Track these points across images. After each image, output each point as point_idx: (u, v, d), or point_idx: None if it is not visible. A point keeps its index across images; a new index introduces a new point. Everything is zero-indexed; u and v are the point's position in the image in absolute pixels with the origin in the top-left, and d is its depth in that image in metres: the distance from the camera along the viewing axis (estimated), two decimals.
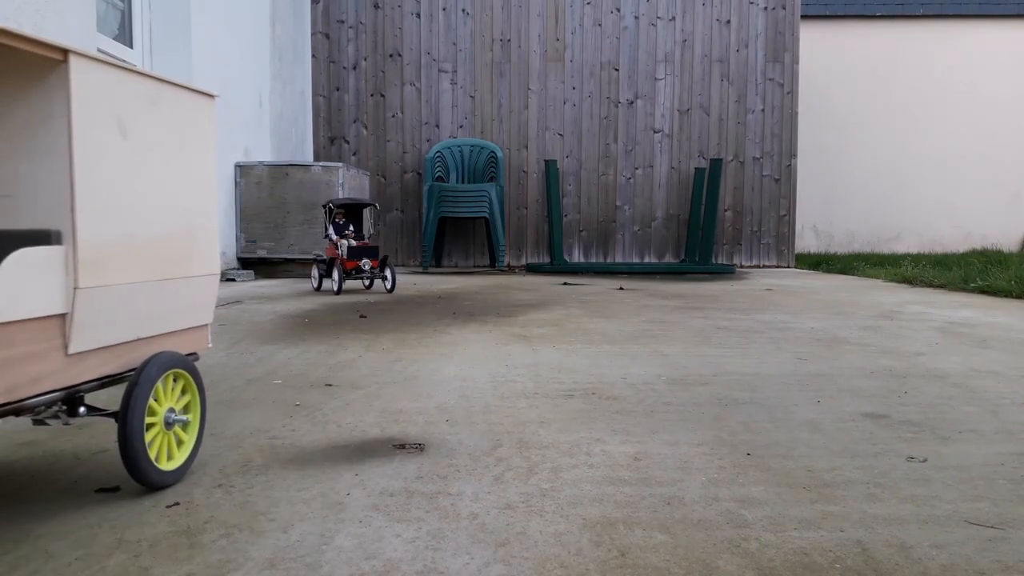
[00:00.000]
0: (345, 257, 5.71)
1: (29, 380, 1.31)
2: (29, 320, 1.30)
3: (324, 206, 5.95)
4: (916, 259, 9.31)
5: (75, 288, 1.36)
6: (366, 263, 5.68)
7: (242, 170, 6.83)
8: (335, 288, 5.59)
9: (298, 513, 1.46)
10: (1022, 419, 2.22)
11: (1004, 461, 1.83)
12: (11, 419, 2.09)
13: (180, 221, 1.64)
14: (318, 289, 5.87)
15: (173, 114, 1.61)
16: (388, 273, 5.79)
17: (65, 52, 1.35)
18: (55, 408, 1.45)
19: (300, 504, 1.51)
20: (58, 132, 1.38)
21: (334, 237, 5.86)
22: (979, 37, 12.29)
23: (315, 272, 5.90)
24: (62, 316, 1.36)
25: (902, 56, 12.31)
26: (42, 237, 1.39)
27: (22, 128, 1.42)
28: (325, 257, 5.99)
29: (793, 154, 9.21)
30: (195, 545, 1.32)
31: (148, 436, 1.53)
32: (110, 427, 2.02)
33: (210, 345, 1.88)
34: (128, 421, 1.45)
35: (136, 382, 1.49)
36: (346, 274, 5.60)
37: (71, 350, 1.39)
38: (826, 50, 12.17)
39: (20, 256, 1.26)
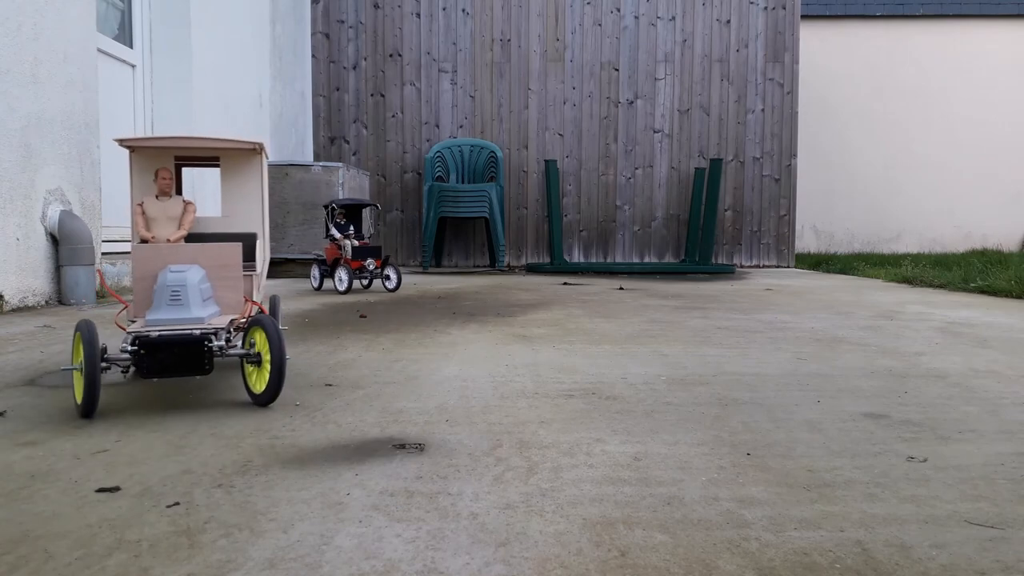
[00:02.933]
0: (349, 257, 5.70)
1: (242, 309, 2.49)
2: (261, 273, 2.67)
3: (326, 206, 5.94)
4: (916, 259, 9.31)
5: (265, 259, 2.66)
6: (371, 263, 5.67)
7: None
8: (342, 288, 5.58)
9: (298, 513, 1.46)
10: (1022, 419, 2.22)
11: (1004, 461, 1.83)
12: (10, 419, 2.09)
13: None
14: (318, 289, 5.87)
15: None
16: (391, 273, 5.79)
17: (261, 145, 2.71)
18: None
19: (300, 504, 1.51)
20: (257, 183, 2.82)
21: (337, 236, 5.84)
22: (979, 37, 12.28)
23: (315, 272, 5.89)
24: (258, 274, 2.71)
25: (902, 56, 12.30)
26: (252, 236, 2.78)
27: (242, 183, 2.80)
28: (324, 257, 5.98)
29: (793, 154, 9.20)
30: (195, 545, 1.32)
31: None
32: (111, 427, 2.02)
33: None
34: (280, 345, 2.18)
35: (275, 314, 2.79)
36: (351, 274, 5.61)
37: (255, 296, 2.71)
38: (826, 50, 12.17)
39: (260, 242, 2.63)
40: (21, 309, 4.10)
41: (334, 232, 5.86)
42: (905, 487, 1.65)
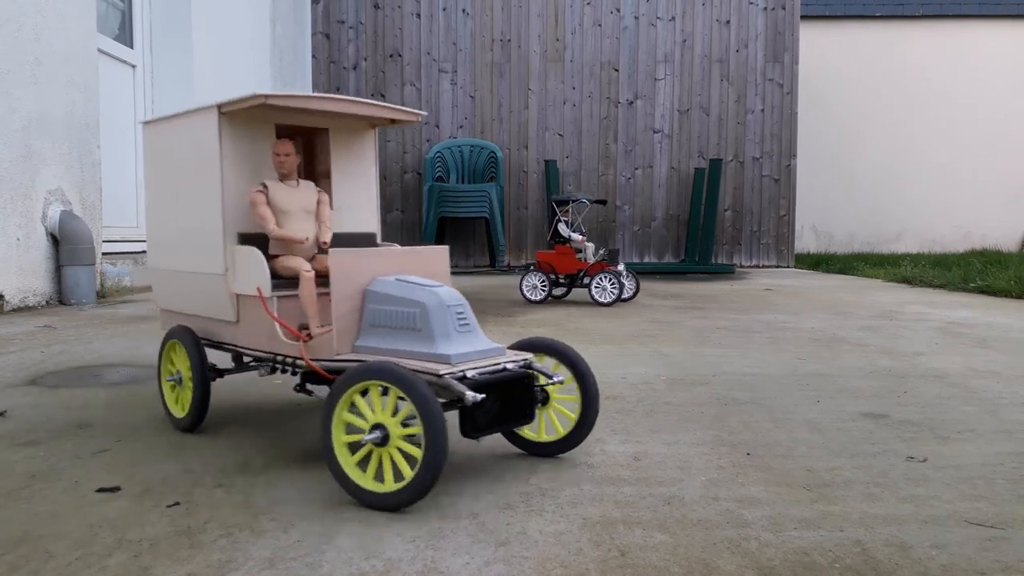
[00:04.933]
0: (591, 260, 5.02)
1: None
2: None
3: (561, 201, 5.23)
4: (916, 259, 9.31)
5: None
6: (622, 266, 5.07)
7: None
8: (609, 299, 4.86)
9: (299, 513, 1.46)
10: (1021, 419, 2.22)
11: (1003, 461, 1.83)
12: (10, 419, 2.09)
13: None
14: (540, 302, 5.05)
15: None
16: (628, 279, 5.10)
17: (374, 124, 2.22)
18: None
19: (301, 504, 1.51)
20: (368, 169, 2.25)
21: (576, 239, 5.08)
22: (979, 37, 12.29)
23: (533, 281, 5.09)
24: None
25: (902, 56, 12.31)
26: (370, 237, 2.23)
27: (352, 167, 2.21)
28: (536, 263, 5.18)
29: (793, 154, 9.21)
30: (195, 545, 1.32)
31: None
32: (111, 427, 2.02)
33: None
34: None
35: None
36: (614, 281, 4.90)
37: None
38: (826, 50, 12.17)
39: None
40: (22, 309, 4.10)
41: (569, 233, 5.11)
42: (904, 487, 1.65)
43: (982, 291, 6.09)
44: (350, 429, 1.57)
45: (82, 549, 1.30)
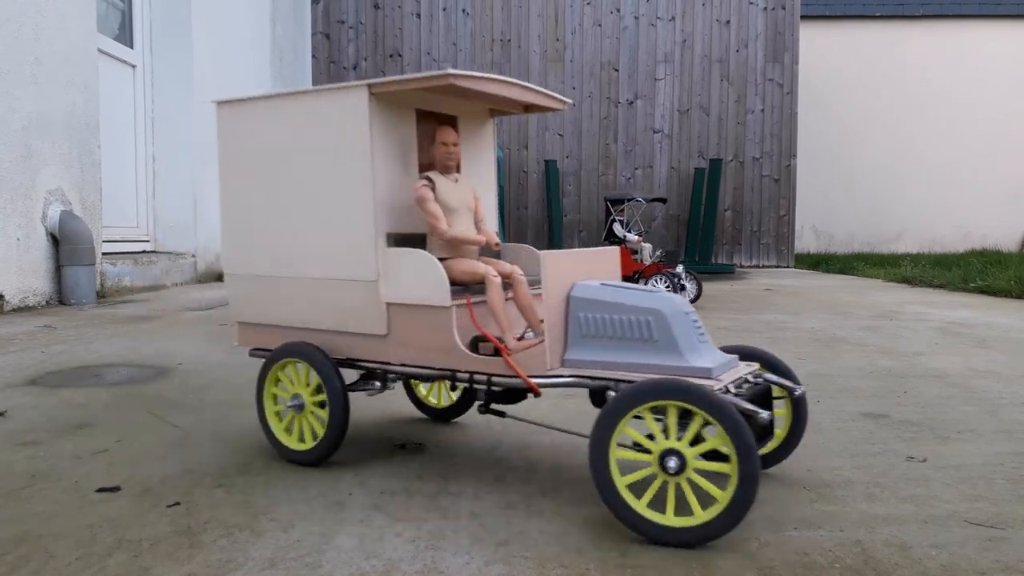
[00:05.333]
0: (647, 262, 4.82)
1: None
2: None
3: (616, 199, 4.96)
4: (916, 259, 9.31)
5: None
6: (680, 268, 4.82)
7: None
8: None
9: (299, 513, 1.46)
10: (1021, 419, 2.22)
11: (1003, 461, 1.83)
12: (10, 420, 2.09)
13: None
14: None
15: None
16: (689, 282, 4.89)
17: (493, 112, 2.01)
18: None
19: (301, 504, 1.51)
20: (488, 161, 2.03)
21: (632, 239, 4.87)
22: (979, 37, 12.29)
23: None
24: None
25: (902, 56, 12.31)
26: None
27: (475, 160, 1.98)
28: None
29: (793, 154, 9.21)
30: (196, 545, 1.32)
31: None
32: (111, 427, 2.02)
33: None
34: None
35: None
36: (674, 283, 4.72)
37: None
38: (826, 50, 12.17)
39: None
40: (22, 309, 4.10)
41: (625, 233, 4.89)
42: (904, 487, 1.65)
43: (982, 291, 6.09)
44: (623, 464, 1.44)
45: (82, 549, 1.30)
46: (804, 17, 11.42)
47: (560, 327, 1.56)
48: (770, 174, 9.29)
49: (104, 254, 5.05)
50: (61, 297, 4.41)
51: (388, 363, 1.72)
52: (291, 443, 1.76)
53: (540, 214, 9.13)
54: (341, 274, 1.72)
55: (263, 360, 1.84)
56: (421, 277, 1.64)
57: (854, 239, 12.55)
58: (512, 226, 9.14)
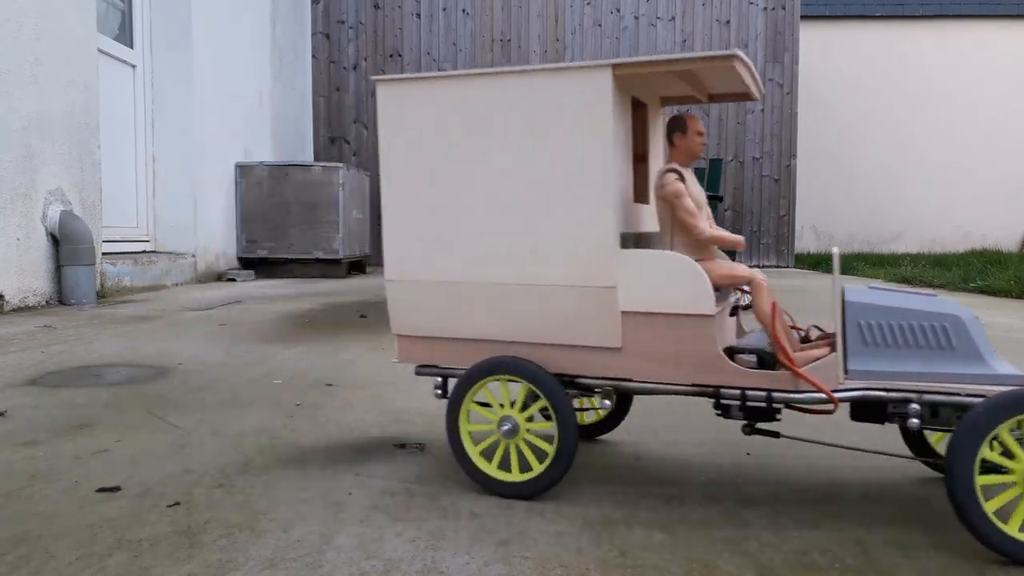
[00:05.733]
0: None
1: None
2: None
3: None
4: (916, 259, 9.31)
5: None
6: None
7: (242, 170, 6.83)
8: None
9: (299, 513, 1.46)
10: None
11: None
12: (10, 420, 2.09)
13: None
14: None
15: None
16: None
17: (664, 101, 1.85)
18: None
19: (301, 504, 1.51)
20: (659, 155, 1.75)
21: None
22: (979, 37, 12.29)
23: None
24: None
25: (902, 56, 12.31)
26: (650, 237, 1.84)
27: (654, 154, 1.73)
28: None
29: (793, 154, 9.21)
30: (195, 545, 1.32)
31: None
32: (111, 427, 2.02)
33: None
34: None
35: None
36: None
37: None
38: (826, 50, 12.17)
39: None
40: (22, 309, 4.10)
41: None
42: (905, 487, 1.65)
43: (982, 291, 6.09)
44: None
45: (82, 549, 1.30)
46: (804, 17, 11.42)
47: (839, 335, 1.44)
48: (770, 174, 9.29)
49: (104, 254, 5.05)
50: (61, 297, 4.41)
51: (621, 379, 1.54)
52: (506, 475, 1.54)
53: None
54: (567, 279, 1.54)
55: (430, 375, 1.64)
56: (677, 282, 1.47)
57: (854, 239, 12.55)
58: None
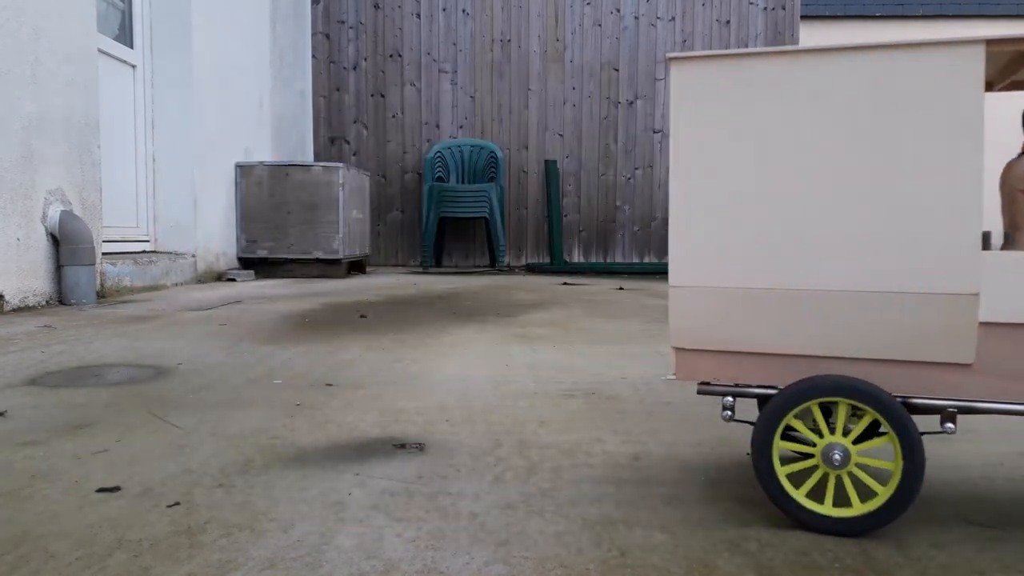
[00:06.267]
0: None
1: None
2: None
3: None
4: None
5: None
6: None
7: (242, 170, 6.83)
8: None
9: (299, 513, 1.46)
10: (1021, 419, 2.22)
11: (1003, 461, 1.83)
12: (10, 420, 2.09)
13: None
14: None
15: None
16: None
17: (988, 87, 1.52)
18: None
19: (300, 504, 1.51)
20: None
21: None
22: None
23: None
24: None
25: None
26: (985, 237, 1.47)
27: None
28: None
29: None
30: (195, 545, 1.32)
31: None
32: (111, 427, 2.02)
33: None
34: None
35: None
36: None
37: None
38: None
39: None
40: (21, 309, 4.10)
41: None
42: None
43: None
44: None
45: (82, 549, 1.30)
46: (804, 17, 11.43)
47: None
48: None
49: (104, 254, 5.05)
50: (61, 297, 4.41)
51: (969, 400, 1.34)
52: (822, 508, 1.37)
53: (540, 214, 9.14)
54: (916, 286, 1.34)
55: (719, 394, 1.44)
56: None
57: None
58: (512, 226, 9.14)
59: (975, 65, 1.29)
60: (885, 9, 12.31)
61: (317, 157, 8.93)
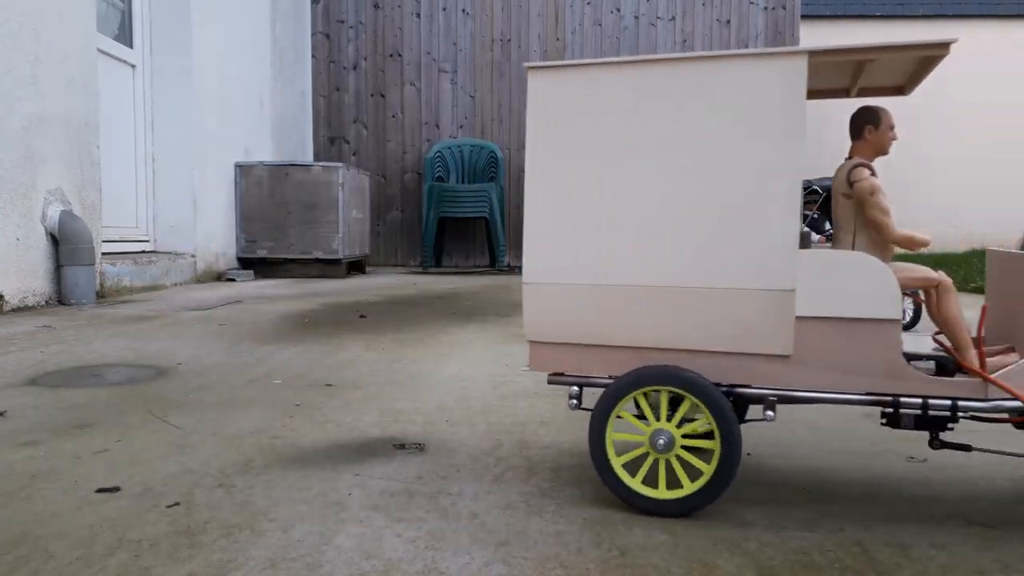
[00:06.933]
0: None
1: None
2: None
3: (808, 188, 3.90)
4: (915, 259, 9.31)
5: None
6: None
7: (242, 170, 6.83)
8: None
9: (299, 513, 1.46)
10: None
11: (1003, 461, 1.83)
12: (10, 420, 2.09)
13: None
14: None
15: None
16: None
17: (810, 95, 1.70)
18: None
19: (301, 504, 1.51)
20: None
21: (815, 238, 4.30)
22: (979, 37, 12.29)
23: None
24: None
25: None
26: (806, 237, 1.66)
27: None
28: None
29: None
30: (196, 545, 1.32)
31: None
32: (111, 427, 2.02)
33: None
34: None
35: None
36: None
37: None
38: None
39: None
40: (21, 309, 4.10)
41: (807, 231, 4.29)
42: (905, 487, 1.65)
43: (982, 291, 6.09)
44: None
45: (82, 549, 1.30)
46: (804, 17, 11.43)
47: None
48: None
49: (104, 254, 5.05)
50: (61, 297, 4.41)
51: (788, 389, 1.44)
52: (647, 490, 1.45)
53: None
54: (739, 282, 1.44)
55: (565, 384, 1.54)
56: (863, 285, 1.39)
57: None
58: (512, 226, 9.14)
59: (798, 75, 1.38)
60: (885, 9, 12.30)
61: (317, 157, 8.93)
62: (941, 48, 1.36)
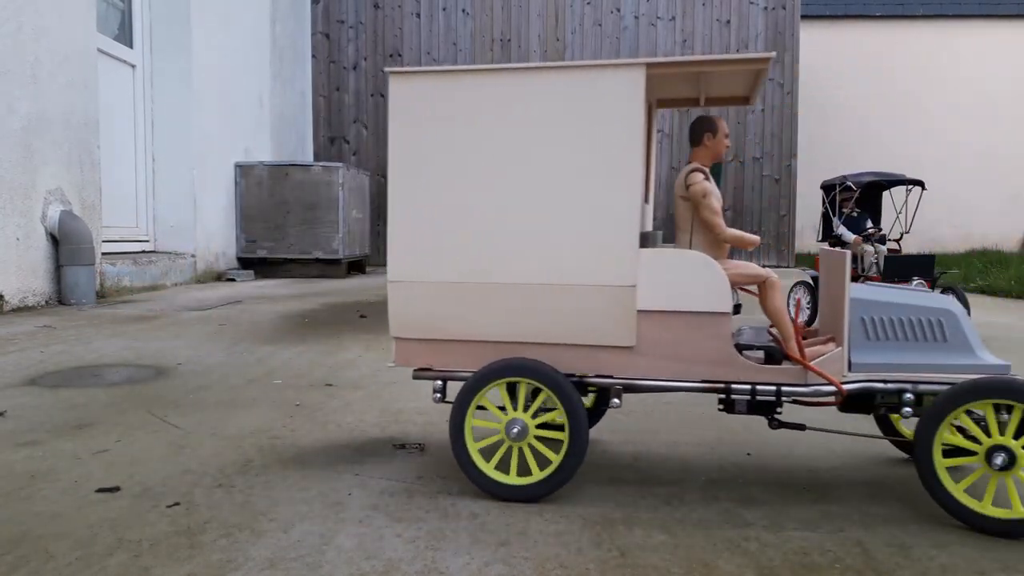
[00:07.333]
0: (874, 273, 3.79)
1: None
2: None
3: (828, 186, 3.95)
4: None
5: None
6: (918, 285, 3.60)
7: (242, 170, 6.83)
8: None
9: (299, 513, 1.46)
10: None
11: None
12: (10, 420, 2.09)
13: None
14: (807, 324, 3.83)
15: None
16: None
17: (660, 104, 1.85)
18: None
19: (301, 504, 1.51)
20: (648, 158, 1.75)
21: (848, 237, 4.01)
22: (979, 37, 12.29)
23: (802, 297, 4.00)
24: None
25: (902, 56, 12.31)
26: (654, 237, 1.80)
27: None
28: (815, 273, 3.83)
29: (793, 154, 9.21)
30: (195, 545, 1.32)
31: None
32: (111, 427, 2.02)
33: None
34: None
35: None
36: None
37: None
38: (826, 50, 12.18)
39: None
40: (21, 309, 4.10)
41: (842, 230, 4.01)
42: (905, 487, 1.65)
43: (982, 291, 6.09)
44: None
45: (82, 549, 1.30)
46: (804, 17, 11.43)
47: (846, 330, 1.50)
48: (770, 174, 9.29)
49: (104, 254, 5.05)
50: (61, 297, 4.41)
51: (632, 378, 1.55)
52: (502, 477, 1.53)
53: None
54: (585, 279, 1.54)
55: (429, 378, 1.61)
56: (697, 281, 1.51)
57: None
58: None
59: (636, 85, 1.48)
60: (885, 9, 12.30)
61: (317, 157, 8.93)
62: (762, 62, 1.46)
